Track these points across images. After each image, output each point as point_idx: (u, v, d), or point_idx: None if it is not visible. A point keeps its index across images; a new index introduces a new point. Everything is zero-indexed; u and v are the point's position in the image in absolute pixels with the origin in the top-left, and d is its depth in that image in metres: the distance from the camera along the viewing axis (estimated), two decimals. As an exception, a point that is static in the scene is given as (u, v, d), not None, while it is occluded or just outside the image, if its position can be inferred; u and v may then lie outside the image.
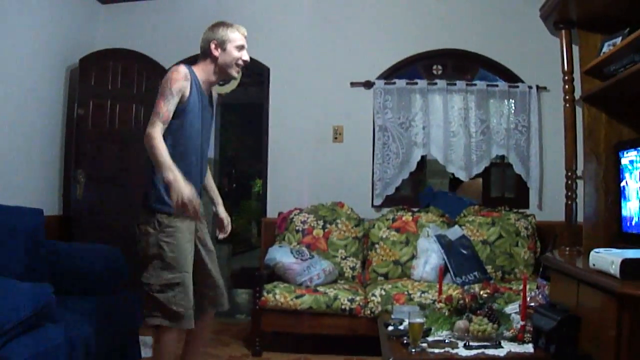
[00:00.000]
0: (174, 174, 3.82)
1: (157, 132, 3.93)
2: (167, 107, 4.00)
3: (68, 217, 6.77)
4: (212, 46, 4.22)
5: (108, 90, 7.04)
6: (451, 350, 3.87)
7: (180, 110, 4.08)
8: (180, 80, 4.04)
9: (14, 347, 3.42)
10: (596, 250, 3.62)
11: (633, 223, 4.04)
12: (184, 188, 3.79)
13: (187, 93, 4.09)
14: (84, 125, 6.84)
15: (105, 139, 6.97)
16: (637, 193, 3.96)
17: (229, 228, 4.75)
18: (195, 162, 4.28)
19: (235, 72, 4.34)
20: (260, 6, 7.53)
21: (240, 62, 4.30)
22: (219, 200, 4.78)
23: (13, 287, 3.71)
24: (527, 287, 4.59)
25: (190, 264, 4.14)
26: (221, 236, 4.74)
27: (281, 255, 6.27)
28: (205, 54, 4.29)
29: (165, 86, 4.03)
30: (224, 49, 4.23)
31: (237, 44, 4.26)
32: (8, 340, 3.41)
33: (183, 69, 4.09)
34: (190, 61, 4.57)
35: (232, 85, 7.29)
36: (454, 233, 6.48)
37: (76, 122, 6.81)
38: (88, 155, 6.86)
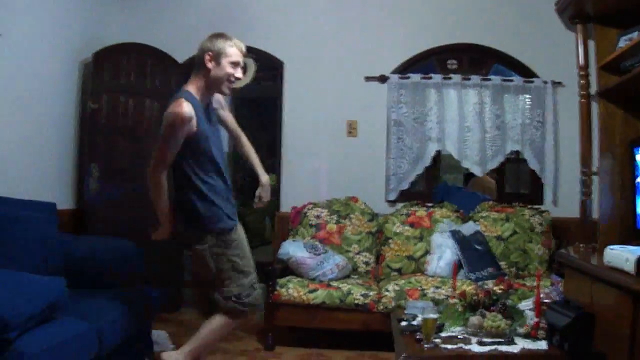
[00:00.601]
0: (165, 219, 4.25)
1: (160, 177, 4.12)
2: (170, 152, 4.08)
3: (81, 210, 6.78)
4: (207, 57, 4.19)
5: (122, 85, 7.04)
6: (464, 346, 3.85)
7: (191, 143, 4.13)
8: (185, 125, 4.03)
9: (28, 340, 3.43)
10: (611, 246, 3.60)
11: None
12: (165, 230, 4.28)
13: (194, 128, 4.09)
14: (97, 119, 6.85)
15: (118, 133, 6.98)
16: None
17: (268, 195, 4.89)
18: (224, 180, 4.42)
19: (226, 89, 4.31)
20: (274, 1, 7.50)
21: (232, 78, 4.26)
22: (259, 165, 4.96)
23: (26, 281, 3.72)
24: (541, 283, 4.57)
25: (253, 263, 4.47)
26: (259, 205, 4.88)
27: (294, 249, 6.26)
28: (198, 65, 4.27)
29: (169, 131, 4.04)
30: (218, 63, 4.20)
31: (232, 59, 4.23)
32: (21, 333, 3.41)
33: (186, 108, 4.01)
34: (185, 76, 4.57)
35: (246, 80, 7.27)
36: (468, 229, 6.46)
37: (90, 116, 6.82)
38: (101, 149, 6.87)
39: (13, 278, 3.70)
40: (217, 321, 4.34)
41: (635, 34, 4.05)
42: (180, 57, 7.36)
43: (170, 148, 4.03)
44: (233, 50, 4.22)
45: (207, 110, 4.31)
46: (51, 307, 3.72)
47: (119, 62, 7.03)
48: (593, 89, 4.57)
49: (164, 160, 4.05)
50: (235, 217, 4.40)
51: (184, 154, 4.12)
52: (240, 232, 4.39)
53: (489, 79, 7.22)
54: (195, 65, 4.28)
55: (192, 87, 4.22)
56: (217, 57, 4.18)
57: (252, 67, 6.92)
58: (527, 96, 7.21)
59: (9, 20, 5.49)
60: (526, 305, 4.59)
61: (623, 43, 4.21)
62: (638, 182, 4.13)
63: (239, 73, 4.28)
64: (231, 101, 10.45)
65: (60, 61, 6.48)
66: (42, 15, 6.06)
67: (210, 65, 4.18)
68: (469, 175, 8.61)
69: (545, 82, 7.12)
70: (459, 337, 4.02)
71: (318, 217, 6.86)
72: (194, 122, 4.05)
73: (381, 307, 5.78)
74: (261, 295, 4.46)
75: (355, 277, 6.42)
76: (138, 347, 5.12)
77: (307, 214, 6.92)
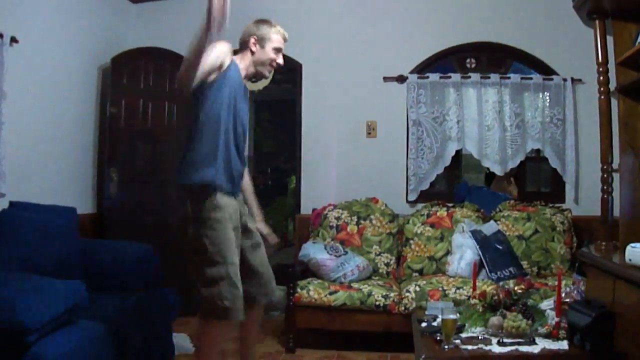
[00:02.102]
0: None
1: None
2: (205, 63, 3.93)
3: (101, 215, 6.82)
4: (252, 40, 4.26)
5: (140, 89, 7.08)
6: (484, 347, 3.82)
7: (219, 81, 4.07)
8: (224, 48, 4.04)
9: (48, 343, 3.47)
10: (632, 245, 3.56)
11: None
12: None
13: (226, 65, 4.08)
14: (116, 124, 6.90)
15: (138, 137, 7.02)
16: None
17: (273, 238, 4.82)
18: (238, 146, 4.24)
19: (267, 72, 4.37)
20: (291, 2, 7.51)
21: (274, 63, 4.33)
22: (257, 212, 4.73)
23: (46, 285, 3.74)
24: (563, 282, 4.54)
25: (235, 255, 4.06)
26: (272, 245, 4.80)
27: (315, 251, 6.26)
28: (243, 46, 4.32)
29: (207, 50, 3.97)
30: (262, 47, 4.27)
31: (275, 45, 4.30)
32: (42, 336, 3.45)
33: (226, 43, 4.07)
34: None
35: (265, 82, 7.26)
36: (489, 228, 6.43)
37: (109, 121, 6.87)
38: (121, 154, 6.92)
39: (33, 282, 3.73)
40: (201, 333, 4.15)
41: (654, 29, 4.02)
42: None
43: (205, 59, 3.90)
44: (277, 37, 4.31)
45: (242, 84, 4.31)
46: (70, 310, 3.75)
47: (137, 66, 7.08)
48: (612, 85, 4.54)
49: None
50: (231, 185, 4.16)
51: (207, 96, 4.06)
52: (225, 214, 4.06)
53: (508, 77, 7.20)
54: (240, 46, 4.33)
55: (237, 57, 4.27)
56: (261, 41, 4.26)
57: (270, 69, 6.92)
58: (547, 94, 7.16)
59: (27, 27, 5.54)
60: (547, 304, 4.56)
61: (642, 38, 4.18)
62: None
63: (280, 59, 4.35)
64: (251, 103, 10.48)
65: (78, 67, 6.54)
66: (60, 21, 6.11)
67: (254, 48, 4.27)
68: (489, 175, 8.57)
69: (565, 80, 7.08)
70: (479, 337, 3.99)
71: (338, 218, 6.84)
72: (227, 62, 4.08)
73: (402, 308, 5.76)
74: (237, 299, 3.99)
75: (376, 278, 6.40)
76: (159, 350, 5.13)
77: (327, 215, 6.90)
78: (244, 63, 4.29)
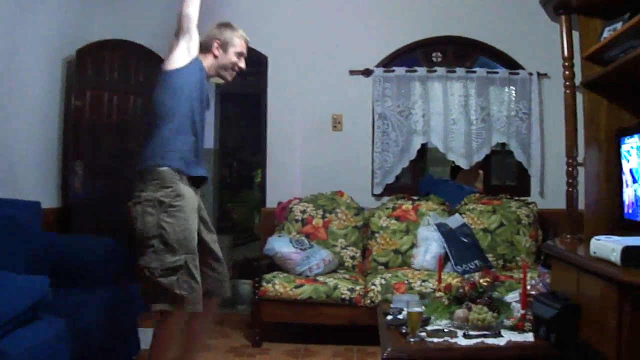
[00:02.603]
0: None
1: None
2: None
3: (67, 209, 6.76)
4: (215, 45, 4.29)
5: (105, 82, 7.02)
6: (450, 340, 3.84)
7: (182, 73, 4.11)
8: (196, 45, 4.17)
9: (11, 340, 3.40)
10: (597, 237, 3.59)
11: (630, 210, 4.01)
12: None
13: (193, 57, 4.15)
14: (81, 117, 6.83)
15: (103, 131, 6.96)
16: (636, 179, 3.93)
17: None
18: (194, 133, 4.23)
19: (229, 76, 4.39)
20: (258, -5, 7.47)
21: (236, 67, 4.36)
22: None
23: (9, 280, 3.69)
24: (528, 275, 4.57)
25: (195, 244, 4.03)
26: None
27: (280, 245, 6.25)
28: (205, 49, 4.31)
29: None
30: (225, 51, 4.30)
31: (238, 50, 4.33)
32: (5, 333, 3.39)
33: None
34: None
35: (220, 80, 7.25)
36: (454, 221, 6.46)
37: (73, 114, 6.80)
38: (86, 147, 6.85)
39: (-4, 278, 3.67)
40: (158, 324, 4.07)
41: (619, 25, 4.03)
42: (164, 52, 7.28)
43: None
44: (240, 42, 4.34)
45: (205, 81, 4.34)
46: (35, 306, 3.70)
47: (102, 59, 7.01)
48: (578, 80, 4.56)
49: None
50: (191, 169, 4.15)
51: (171, 87, 4.11)
52: (187, 202, 4.03)
53: (474, 72, 7.23)
54: (201, 47, 4.29)
55: (200, 56, 4.27)
56: (224, 46, 4.30)
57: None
58: (513, 88, 7.22)
59: (-12, 19, 5.46)
60: (513, 297, 4.58)
61: (607, 34, 4.20)
62: (625, 172, 4.12)
63: (242, 63, 4.37)
64: (216, 96, 10.43)
65: (43, 59, 6.45)
66: (23, 13, 6.02)
67: (217, 52, 4.29)
68: (455, 168, 8.60)
69: (531, 74, 7.13)
70: (444, 330, 4.00)
71: (304, 212, 6.83)
72: (195, 49, 4.17)
73: (368, 301, 5.79)
74: (195, 290, 3.97)
75: (342, 271, 6.41)
76: (125, 345, 5.10)
77: (293, 209, 6.89)
78: (206, 63, 4.30)
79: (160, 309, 3.94)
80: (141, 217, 3.97)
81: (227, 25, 4.38)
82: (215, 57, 4.30)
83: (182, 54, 4.11)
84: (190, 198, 4.06)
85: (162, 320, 4.01)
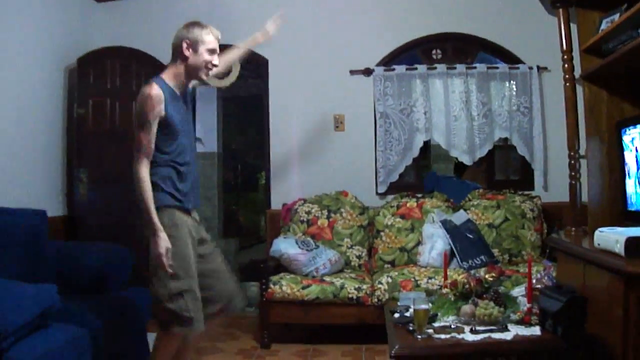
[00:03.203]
0: (154, 225, 3.97)
1: (143, 169, 4.04)
2: (147, 139, 4.05)
3: (72, 217, 6.78)
4: (184, 45, 4.20)
5: (107, 89, 7.03)
6: (457, 336, 3.83)
7: (163, 126, 4.10)
8: (155, 108, 4.04)
9: (21, 348, 3.43)
10: (600, 229, 3.60)
11: (634, 201, 4.02)
12: (162, 240, 3.96)
13: (163, 113, 4.08)
14: (84, 125, 6.86)
15: (106, 138, 6.97)
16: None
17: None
18: (192, 167, 4.36)
19: (204, 75, 4.33)
20: (256, -2, 7.48)
21: (210, 65, 4.29)
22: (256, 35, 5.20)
23: (18, 289, 3.70)
24: (534, 269, 4.56)
25: (194, 269, 4.15)
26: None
27: (286, 246, 6.26)
28: (175, 53, 4.27)
29: (141, 117, 4.05)
30: (195, 50, 4.21)
31: (209, 47, 4.25)
32: (15, 342, 3.42)
33: (154, 91, 4.05)
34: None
35: (232, 78, 7.25)
36: (459, 217, 6.46)
37: (77, 122, 6.84)
38: (90, 155, 6.87)
39: (4, 287, 3.68)
40: (156, 339, 4.30)
41: (616, 16, 4.05)
42: (165, 58, 7.24)
43: (146, 132, 4.02)
44: (209, 38, 4.25)
45: (182, 97, 4.34)
46: (43, 314, 3.71)
47: (103, 66, 7.02)
48: (578, 73, 4.57)
49: (142, 148, 4.02)
50: (186, 204, 4.26)
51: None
52: (183, 232, 4.17)
53: (474, 67, 7.22)
54: (172, 54, 4.29)
55: (166, 74, 4.24)
56: (194, 45, 4.20)
57: (237, 65, 6.89)
58: (513, 82, 7.20)
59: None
60: (519, 291, 4.58)
61: (605, 25, 4.21)
62: (627, 163, 4.13)
63: (216, 60, 4.31)
64: (218, 100, 10.45)
65: (44, 68, 6.47)
66: (25, 22, 6.04)
67: (187, 53, 4.20)
68: (459, 165, 8.60)
69: (531, 68, 7.13)
70: (451, 326, 4.00)
71: (309, 212, 6.85)
72: (163, 105, 4.06)
73: (375, 300, 5.80)
74: (199, 311, 4.13)
75: (349, 271, 6.42)
76: (134, 350, 5.11)
77: (298, 210, 6.90)
78: (175, 77, 4.26)
79: (170, 330, 4.11)
80: (147, 248, 4.10)
81: (194, 24, 4.29)
82: (187, 58, 4.22)
83: None
84: (185, 225, 4.20)
85: (166, 337, 4.20)
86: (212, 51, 4.26)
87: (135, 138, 4.06)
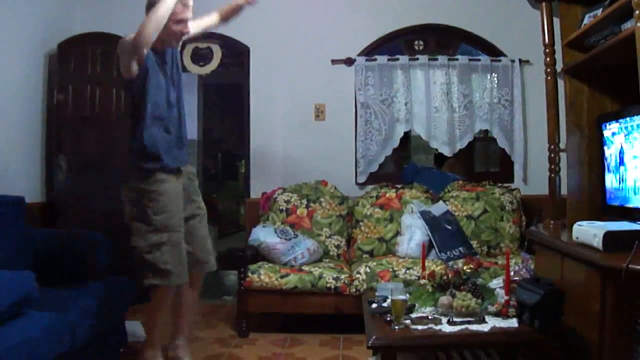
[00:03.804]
0: None
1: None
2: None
3: (51, 203, 6.73)
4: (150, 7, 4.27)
5: (88, 75, 6.97)
6: (435, 327, 3.84)
7: (139, 76, 4.26)
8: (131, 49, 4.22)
9: (-3, 336, 3.40)
10: (579, 223, 3.62)
11: (613, 195, 4.05)
12: None
13: (142, 61, 4.23)
14: (64, 111, 6.80)
15: (86, 124, 6.92)
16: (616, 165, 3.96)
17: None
18: (174, 120, 4.44)
19: (175, 43, 4.50)
20: (239, -15, 7.44)
21: (179, 34, 4.42)
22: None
23: (-7, 276, 3.68)
24: (512, 261, 4.59)
25: (178, 223, 4.29)
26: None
27: (265, 235, 6.25)
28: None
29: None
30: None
31: (177, 17, 4.30)
32: (-10, 329, 3.40)
33: (129, 38, 4.25)
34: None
35: (212, 66, 7.23)
36: (438, 209, 6.47)
37: (56, 108, 6.78)
38: (69, 141, 6.83)
39: (-20, 274, 3.66)
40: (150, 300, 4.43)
41: (599, 11, 4.06)
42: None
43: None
44: (177, 7, 4.24)
45: (163, 61, 4.41)
46: (20, 302, 3.69)
47: (84, 52, 6.96)
48: (559, 67, 4.59)
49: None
50: (173, 161, 4.36)
51: (135, 87, 4.29)
52: (168, 186, 4.29)
53: (456, 59, 7.23)
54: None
55: None
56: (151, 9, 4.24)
57: (217, 52, 6.87)
58: (495, 75, 7.21)
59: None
60: (497, 283, 4.60)
61: (587, 20, 4.23)
62: (606, 158, 4.15)
63: (185, 13, 4.34)
64: (198, 87, 10.42)
65: (24, 53, 6.41)
66: (3, 7, 5.98)
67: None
68: (439, 156, 8.61)
69: (513, 61, 7.14)
70: (429, 317, 4.01)
71: (288, 202, 6.83)
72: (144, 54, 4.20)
73: (353, 289, 5.79)
74: (179, 264, 4.30)
75: (327, 260, 6.41)
76: (112, 338, 5.09)
77: (277, 199, 6.88)
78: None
79: (149, 283, 4.26)
80: (128, 202, 4.29)
81: None
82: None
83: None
84: (171, 181, 4.31)
85: (154, 294, 4.34)
86: (179, 21, 4.32)
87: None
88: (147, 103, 4.26)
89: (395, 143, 7.24)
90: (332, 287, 5.81)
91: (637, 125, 3.77)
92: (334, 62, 7.33)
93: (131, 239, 4.26)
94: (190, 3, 4.36)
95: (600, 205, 4.27)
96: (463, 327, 3.82)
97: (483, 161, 8.26)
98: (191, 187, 4.64)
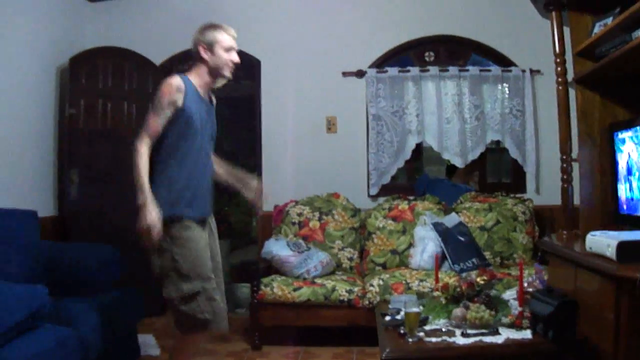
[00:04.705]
0: (144, 197, 3.92)
1: (142, 145, 4.03)
2: (156, 121, 4.05)
3: (63, 217, 6.75)
4: (201, 50, 4.25)
5: (99, 89, 7.02)
6: (448, 339, 3.83)
7: (176, 119, 4.11)
8: (171, 94, 4.06)
9: (10, 349, 3.44)
10: (592, 233, 3.59)
11: (625, 204, 4.02)
12: (150, 213, 3.89)
13: (180, 104, 4.09)
14: (76, 125, 6.85)
15: (98, 138, 6.97)
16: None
17: (262, 201, 4.74)
18: (202, 168, 4.35)
19: (227, 73, 4.35)
20: (250, -1, 7.48)
21: (230, 63, 4.31)
22: (243, 174, 4.79)
23: (7, 290, 3.71)
24: (525, 272, 4.57)
25: (209, 269, 4.18)
26: (260, 206, 4.87)
27: (277, 248, 6.26)
28: (196, 58, 4.32)
29: (155, 100, 4.09)
30: (212, 52, 4.25)
31: (225, 45, 4.28)
32: (5, 342, 3.43)
33: (175, 80, 4.11)
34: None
35: (223, 80, 7.24)
36: (450, 220, 6.45)
37: (68, 122, 6.81)
38: (81, 155, 6.87)
39: (-6, 288, 3.68)
40: (175, 343, 4.34)
41: (609, 20, 4.04)
42: (157, 59, 7.35)
43: (156, 115, 4.05)
44: (224, 37, 4.28)
45: (205, 100, 4.37)
46: (33, 315, 3.72)
47: (95, 66, 7.02)
48: (570, 76, 4.57)
49: (148, 127, 4.04)
50: (199, 211, 4.29)
51: (167, 131, 4.13)
52: (195, 233, 4.19)
53: (467, 70, 7.23)
54: (193, 58, 4.34)
55: (192, 74, 4.29)
56: (210, 46, 4.24)
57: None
58: (506, 85, 7.21)
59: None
60: (511, 294, 4.58)
61: (598, 29, 4.21)
62: (618, 167, 4.13)
63: (235, 57, 4.33)
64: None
65: (36, 68, 6.47)
66: (16, 22, 6.04)
67: (206, 56, 4.25)
68: (451, 167, 8.60)
69: (524, 71, 7.13)
70: (442, 329, 4.00)
71: (300, 214, 6.84)
72: (182, 96, 4.09)
73: (366, 302, 5.78)
74: (216, 311, 4.16)
75: (340, 273, 6.41)
76: (125, 351, 5.11)
77: (289, 212, 6.89)
78: (199, 77, 4.29)
79: (187, 332, 4.16)
80: (157, 252, 4.12)
81: (208, 27, 4.34)
82: (206, 61, 4.26)
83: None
84: (197, 229, 4.21)
85: (187, 338, 4.21)
86: (228, 49, 4.29)
87: (147, 118, 4.09)
88: (180, 146, 4.26)
89: (407, 155, 7.24)
90: (345, 299, 5.80)
91: (650, 134, 3.76)
92: (344, 74, 7.34)
93: (164, 290, 4.14)
94: (235, 34, 4.39)
95: (613, 215, 4.25)
96: (477, 339, 3.80)
97: (495, 172, 8.23)
98: (213, 243, 4.59)
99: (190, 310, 4.04)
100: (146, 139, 4.02)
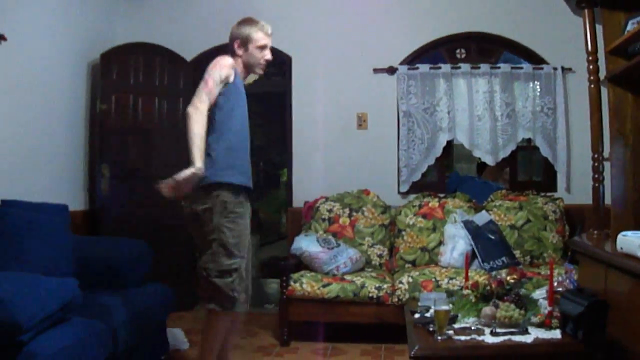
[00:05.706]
0: (194, 159, 3.92)
1: (202, 104, 4.05)
2: (215, 87, 4.12)
3: (94, 211, 6.82)
4: (236, 45, 4.34)
5: (130, 85, 7.08)
6: (477, 337, 3.82)
7: (227, 93, 4.21)
8: (227, 67, 4.17)
9: (42, 341, 3.46)
10: (623, 233, 3.57)
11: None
12: (189, 173, 3.90)
13: (232, 80, 4.21)
14: (107, 120, 6.92)
15: (128, 133, 7.03)
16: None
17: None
18: (248, 143, 4.56)
19: (259, 70, 4.46)
20: (281, -5, 7.49)
21: (262, 61, 4.39)
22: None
23: (39, 283, 3.72)
24: (555, 271, 4.54)
25: (247, 249, 4.29)
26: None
27: (307, 244, 6.27)
28: (231, 51, 4.39)
29: (212, 70, 4.14)
30: (246, 49, 4.34)
31: (259, 43, 4.36)
32: (35, 335, 3.45)
33: (229, 59, 4.23)
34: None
35: (254, 76, 7.26)
36: (481, 218, 6.43)
37: (99, 117, 6.88)
38: (112, 150, 6.94)
39: (26, 280, 3.71)
40: (207, 321, 4.32)
41: (643, 17, 4.01)
42: (188, 54, 7.37)
43: (215, 84, 4.11)
44: (259, 35, 4.36)
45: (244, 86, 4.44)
46: (64, 308, 3.75)
47: (126, 62, 7.07)
48: (602, 74, 4.54)
49: (211, 93, 4.09)
50: (249, 181, 4.40)
51: (222, 101, 4.20)
52: (245, 210, 4.29)
53: (498, 67, 7.19)
54: (229, 51, 4.40)
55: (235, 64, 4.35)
56: (244, 43, 4.33)
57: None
58: (537, 83, 7.16)
59: (15, 25, 5.50)
60: (540, 294, 4.55)
61: (631, 26, 4.17)
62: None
63: (268, 55, 4.41)
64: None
65: (68, 63, 6.52)
66: (48, 18, 6.09)
67: (240, 52, 4.35)
68: (481, 165, 8.57)
69: (555, 69, 7.09)
70: (472, 328, 3.98)
71: (330, 210, 6.84)
72: (232, 76, 4.21)
73: (395, 299, 5.78)
74: (243, 292, 4.25)
75: (369, 270, 6.42)
76: (154, 345, 5.14)
77: (320, 208, 6.91)
78: (237, 65, 4.36)
79: (212, 308, 4.19)
80: (205, 219, 4.16)
81: (245, 22, 4.40)
82: (240, 56, 4.34)
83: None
84: (247, 207, 4.32)
85: (213, 318, 4.24)
86: (262, 47, 4.36)
87: (202, 81, 4.13)
88: (234, 115, 4.32)
89: (438, 152, 7.23)
90: (374, 296, 5.80)
91: (683, 134, 3.73)
92: (376, 70, 7.33)
93: (201, 258, 4.23)
94: (270, 31, 4.42)
95: (645, 214, 4.22)
96: (506, 338, 3.79)
97: (526, 170, 8.19)
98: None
99: (224, 284, 4.10)
100: (205, 100, 4.06)
